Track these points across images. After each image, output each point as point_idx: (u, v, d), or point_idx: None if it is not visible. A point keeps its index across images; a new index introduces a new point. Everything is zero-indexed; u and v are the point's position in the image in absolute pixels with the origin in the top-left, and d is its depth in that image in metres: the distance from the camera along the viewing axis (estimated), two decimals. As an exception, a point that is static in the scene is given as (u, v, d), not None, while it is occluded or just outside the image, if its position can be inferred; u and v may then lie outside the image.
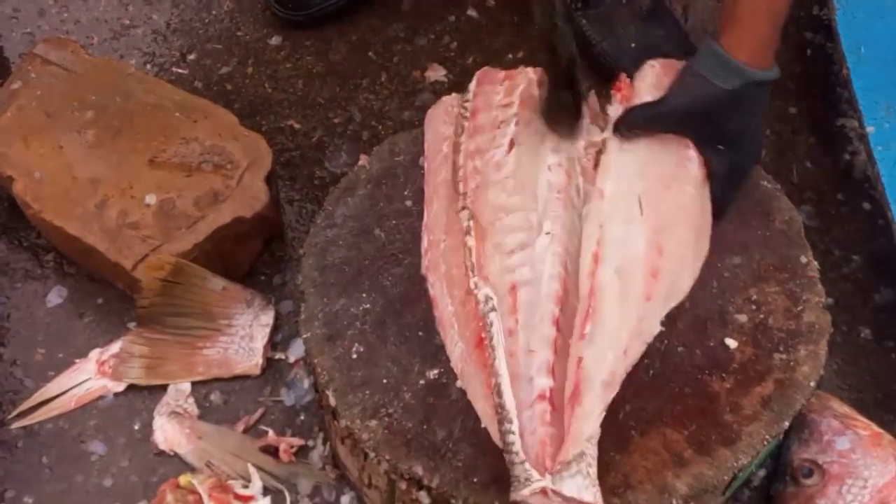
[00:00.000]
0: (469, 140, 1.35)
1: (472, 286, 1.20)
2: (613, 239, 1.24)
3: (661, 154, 1.32)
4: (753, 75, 1.26)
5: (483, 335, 1.18)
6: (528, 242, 1.25)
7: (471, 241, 1.24)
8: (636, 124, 1.32)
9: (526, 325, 1.19)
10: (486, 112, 1.38)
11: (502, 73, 1.45)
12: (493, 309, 1.17)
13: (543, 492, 1.06)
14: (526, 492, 1.06)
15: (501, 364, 1.13)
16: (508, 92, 1.40)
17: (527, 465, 1.07)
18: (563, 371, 1.16)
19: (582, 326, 1.17)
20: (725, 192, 1.35)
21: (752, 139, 1.35)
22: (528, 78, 1.42)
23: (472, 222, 1.25)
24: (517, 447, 1.08)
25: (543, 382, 1.15)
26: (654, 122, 1.32)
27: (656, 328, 1.22)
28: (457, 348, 1.24)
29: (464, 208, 1.27)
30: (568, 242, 1.26)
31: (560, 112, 1.35)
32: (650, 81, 1.39)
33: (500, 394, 1.11)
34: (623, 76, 1.42)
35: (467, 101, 1.40)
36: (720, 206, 1.35)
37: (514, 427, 1.09)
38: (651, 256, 1.23)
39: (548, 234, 1.26)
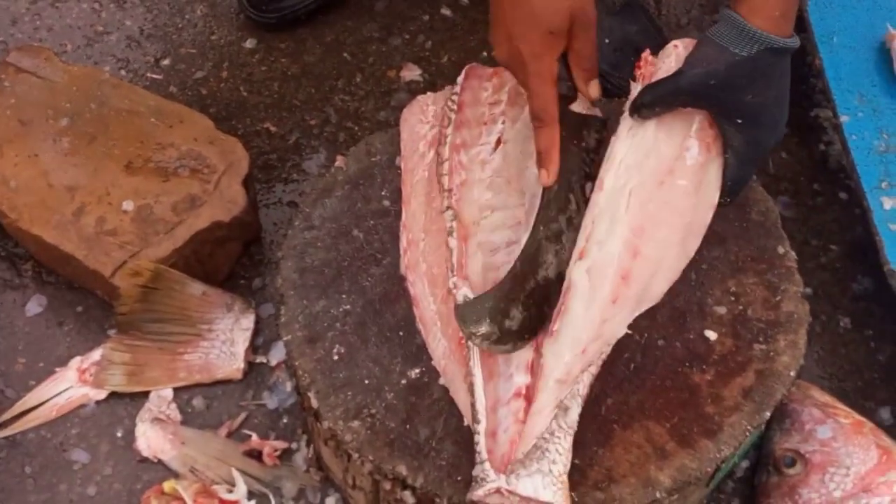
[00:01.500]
0: (455, 133, 1.35)
1: (451, 286, 1.20)
2: (596, 237, 1.23)
3: (663, 142, 1.28)
4: (772, 41, 1.20)
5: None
6: (513, 241, 1.26)
7: (453, 242, 1.24)
8: (652, 102, 1.27)
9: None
10: (473, 108, 1.38)
11: (490, 70, 1.45)
12: None
13: (499, 491, 1.07)
14: (480, 492, 1.07)
15: (475, 363, 1.14)
16: (496, 89, 1.41)
17: (486, 465, 1.08)
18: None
19: (553, 323, 1.18)
20: (741, 170, 1.29)
21: (773, 112, 1.28)
22: None
23: (455, 223, 1.25)
24: (480, 446, 1.10)
25: (521, 380, 1.16)
26: (669, 97, 1.26)
27: (621, 331, 1.22)
28: (439, 346, 1.25)
29: (448, 208, 1.27)
30: None
31: (492, 325, 1.18)
32: (673, 61, 1.33)
33: (472, 392, 1.13)
34: (646, 54, 1.38)
35: (455, 93, 1.40)
36: (734, 185, 1.30)
37: (482, 427, 1.11)
38: (624, 259, 1.22)
39: None
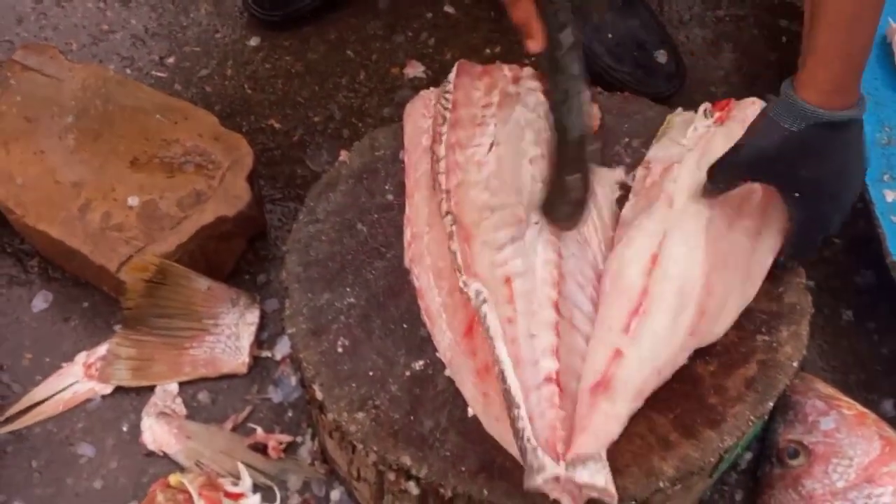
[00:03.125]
0: (450, 132, 1.35)
1: (461, 285, 1.20)
2: (675, 254, 1.24)
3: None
4: (820, 115, 1.17)
5: (476, 326, 1.19)
6: (517, 236, 1.26)
7: (454, 245, 1.24)
8: (719, 178, 1.26)
9: (525, 311, 1.19)
10: (466, 108, 1.39)
11: (479, 68, 1.45)
12: (485, 301, 1.16)
13: (556, 479, 1.07)
14: (539, 480, 1.06)
15: (502, 351, 1.12)
16: (487, 90, 1.41)
17: (539, 453, 1.06)
18: (568, 353, 1.18)
19: (628, 319, 1.18)
20: (802, 239, 1.29)
21: (832, 186, 1.25)
22: (504, 76, 1.43)
23: (455, 227, 1.25)
24: (528, 433, 1.08)
25: (549, 365, 1.15)
26: (732, 171, 1.25)
27: (685, 359, 1.23)
28: (445, 338, 1.25)
29: (447, 213, 1.27)
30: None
31: (563, 204, 1.27)
32: (744, 116, 1.37)
33: (504, 380, 1.10)
34: (732, 101, 1.42)
35: (448, 91, 1.41)
36: (795, 251, 1.31)
37: (523, 412, 1.09)
38: (702, 295, 1.23)
39: (536, 223, 1.27)
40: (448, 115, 1.37)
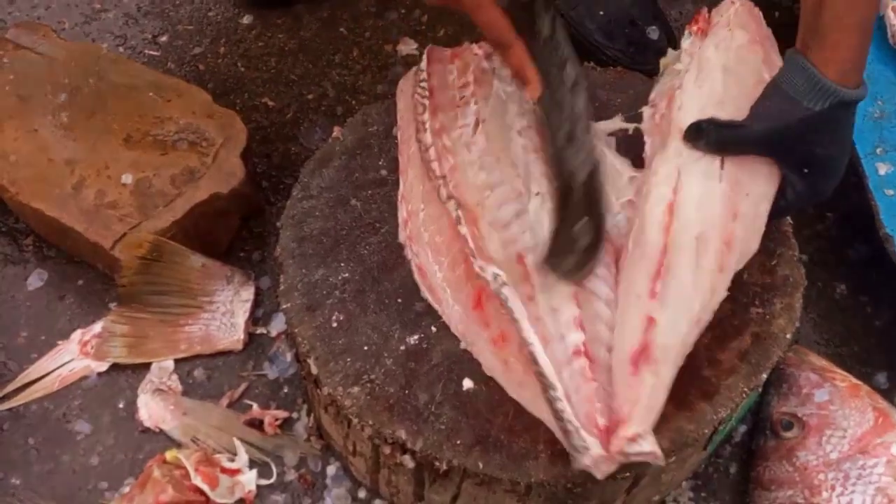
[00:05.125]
0: (432, 118, 1.34)
1: (477, 270, 1.18)
2: (691, 195, 1.20)
3: (737, 89, 1.26)
4: (844, 94, 1.16)
5: (486, 299, 1.20)
6: (521, 210, 1.25)
7: (463, 230, 1.22)
8: (719, 145, 1.22)
9: (542, 286, 1.18)
10: (443, 91, 1.38)
11: (449, 52, 1.44)
12: (504, 283, 1.15)
13: (604, 457, 1.06)
14: (587, 461, 1.06)
15: (529, 332, 1.11)
16: (461, 72, 1.40)
17: (583, 433, 1.06)
18: (591, 321, 1.17)
19: (652, 283, 1.16)
20: (796, 206, 1.27)
21: (838, 162, 1.24)
22: (475, 55, 1.42)
23: (460, 211, 1.24)
24: (568, 414, 1.07)
25: (576, 337, 1.14)
26: (738, 146, 1.22)
27: (724, 295, 1.20)
28: (454, 312, 1.25)
29: (450, 198, 1.26)
30: None
31: (571, 255, 1.19)
32: (727, 19, 1.33)
33: (536, 361, 1.09)
34: (703, 11, 1.36)
35: (422, 80, 1.40)
36: (784, 214, 1.30)
37: (560, 392, 1.08)
38: (727, 222, 1.20)
39: (537, 194, 1.26)
40: (427, 102, 1.36)
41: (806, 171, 1.22)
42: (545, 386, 1.09)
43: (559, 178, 1.22)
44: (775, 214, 1.27)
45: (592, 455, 1.05)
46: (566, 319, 1.16)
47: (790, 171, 1.23)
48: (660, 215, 1.19)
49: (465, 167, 1.29)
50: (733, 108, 1.24)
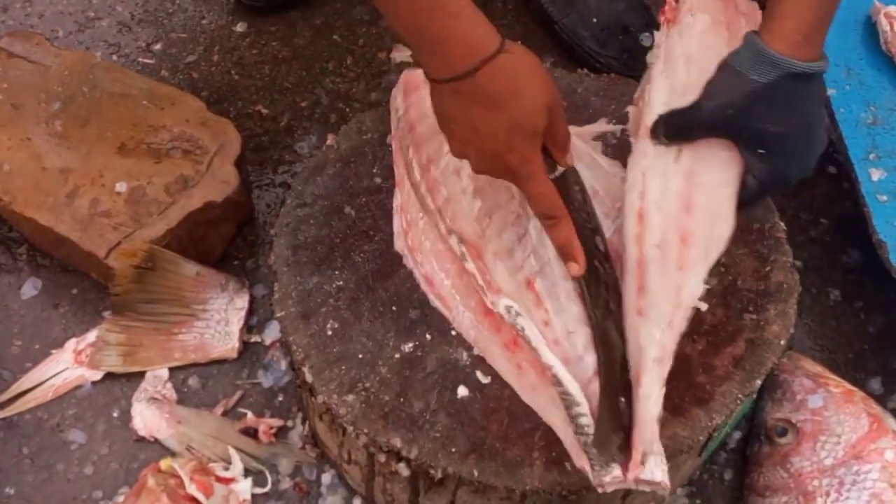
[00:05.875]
0: (417, 154, 1.33)
1: (489, 305, 1.18)
2: (653, 195, 1.19)
3: (699, 76, 1.21)
4: (792, 65, 1.12)
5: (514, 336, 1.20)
6: (522, 233, 1.26)
7: (470, 265, 1.22)
8: (674, 134, 1.21)
9: (556, 310, 1.19)
10: (423, 122, 1.36)
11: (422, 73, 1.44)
12: (518, 314, 1.15)
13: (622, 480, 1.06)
14: (608, 479, 1.05)
15: (550, 357, 1.11)
16: None
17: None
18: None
19: (638, 301, 1.16)
20: (760, 194, 1.22)
21: (797, 141, 1.19)
22: None
23: (463, 247, 1.23)
24: (591, 429, 1.07)
25: (593, 359, 1.15)
26: (688, 130, 1.20)
27: (699, 290, 1.17)
28: (465, 318, 1.26)
29: (450, 232, 1.25)
30: None
31: (614, 433, 1.09)
32: (690, 3, 1.29)
33: (559, 382, 1.09)
34: (670, 1, 1.32)
35: (399, 117, 1.39)
36: (750, 203, 1.23)
37: (585, 408, 1.08)
38: (680, 218, 1.18)
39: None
40: (409, 138, 1.35)
41: (761, 151, 1.18)
42: (569, 403, 1.09)
43: (600, 352, 1.18)
44: (740, 203, 1.22)
45: (613, 475, 1.05)
46: (584, 341, 1.17)
47: (748, 153, 1.19)
48: (633, 226, 1.19)
49: (458, 197, 1.28)
50: (695, 96, 1.20)
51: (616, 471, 1.05)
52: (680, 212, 1.18)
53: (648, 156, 1.22)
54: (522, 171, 1.11)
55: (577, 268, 1.17)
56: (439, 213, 1.27)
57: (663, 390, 1.11)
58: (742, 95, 1.14)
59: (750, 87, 1.14)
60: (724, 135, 1.19)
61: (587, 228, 1.19)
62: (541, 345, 1.13)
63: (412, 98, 1.41)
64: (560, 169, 1.16)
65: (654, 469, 1.05)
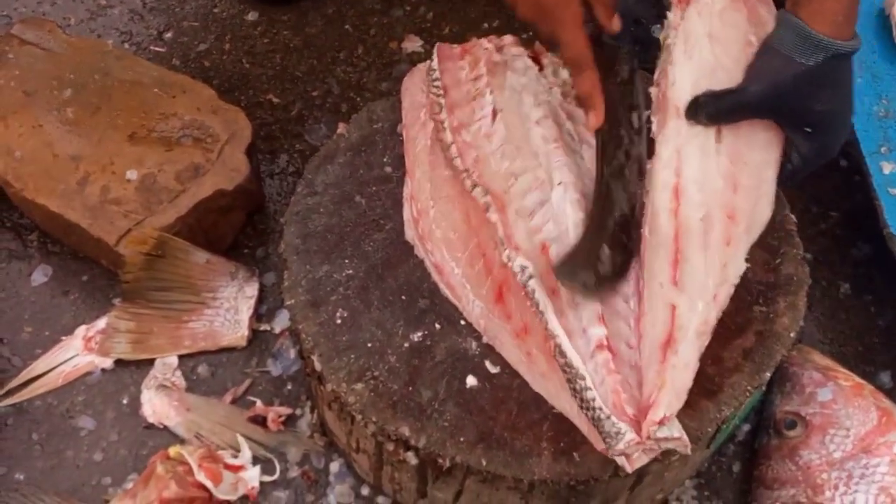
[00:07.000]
0: (450, 116, 1.34)
1: (504, 259, 1.20)
2: (691, 173, 1.21)
3: (726, 55, 1.25)
4: (837, 47, 1.15)
5: (507, 293, 1.20)
6: (545, 199, 1.26)
7: (493, 216, 1.23)
8: (716, 116, 1.23)
9: None
10: (457, 88, 1.38)
11: (458, 48, 1.45)
12: (531, 276, 1.16)
13: (637, 441, 1.07)
14: (622, 445, 1.06)
15: (555, 325, 1.13)
16: (472, 66, 1.40)
17: (614, 420, 1.07)
18: (611, 317, 1.18)
19: (673, 270, 1.17)
20: (806, 169, 1.27)
21: (841, 117, 1.24)
22: (485, 48, 1.42)
23: (488, 198, 1.25)
24: (599, 402, 1.08)
25: (598, 331, 1.15)
26: (734, 112, 1.23)
27: (742, 267, 1.22)
28: (475, 308, 1.26)
29: (475, 185, 1.27)
30: (582, 186, 1.26)
31: (584, 271, 1.17)
32: None
33: (562, 353, 1.11)
34: None
35: (436, 79, 1.40)
36: (795, 179, 1.28)
37: (589, 382, 1.09)
38: (728, 196, 1.21)
39: (560, 184, 1.26)
40: (443, 101, 1.37)
41: (809, 130, 1.22)
42: (572, 377, 1.10)
43: (597, 202, 1.22)
44: (784, 180, 1.26)
45: (626, 440, 1.06)
46: (589, 314, 1.17)
47: (793, 133, 1.23)
48: (667, 201, 1.21)
49: (487, 158, 1.30)
50: (725, 74, 1.24)
51: (629, 434, 1.06)
52: (727, 190, 1.21)
53: (683, 134, 1.23)
54: (557, 14, 1.17)
55: (595, 118, 1.22)
56: (467, 171, 1.29)
57: (697, 365, 1.13)
58: (790, 78, 1.17)
59: (797, 69, 1.17)
60: (769, 116, 1.22)
61: (626, 100, 1.23)
62: (547, 310, 1.14)
63: (446, 65, 1.42)
64: (606, 37, 1.22)
65: (671, 427, 1.07)
